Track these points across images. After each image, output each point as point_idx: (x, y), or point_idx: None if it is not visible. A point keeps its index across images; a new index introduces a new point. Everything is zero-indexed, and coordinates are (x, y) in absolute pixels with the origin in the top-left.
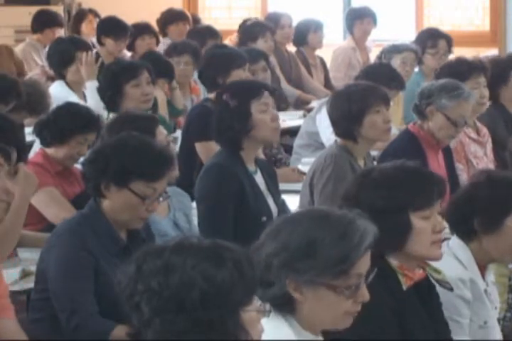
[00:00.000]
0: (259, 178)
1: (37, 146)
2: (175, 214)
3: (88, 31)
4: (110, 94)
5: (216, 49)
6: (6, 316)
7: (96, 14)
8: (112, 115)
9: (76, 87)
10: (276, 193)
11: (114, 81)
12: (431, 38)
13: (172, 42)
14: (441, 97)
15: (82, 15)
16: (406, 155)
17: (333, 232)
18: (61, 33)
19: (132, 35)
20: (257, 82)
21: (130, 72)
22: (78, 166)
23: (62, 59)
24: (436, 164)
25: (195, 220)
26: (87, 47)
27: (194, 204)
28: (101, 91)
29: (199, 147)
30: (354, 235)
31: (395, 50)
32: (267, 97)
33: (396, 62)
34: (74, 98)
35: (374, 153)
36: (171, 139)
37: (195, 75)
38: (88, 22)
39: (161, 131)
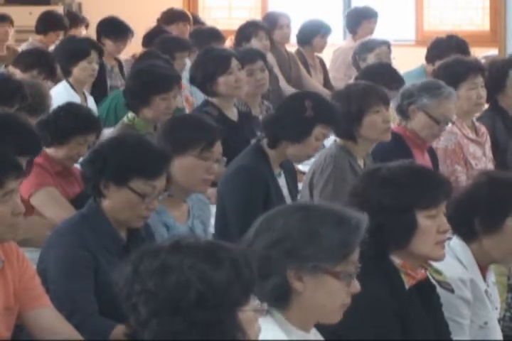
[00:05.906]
0: (282, 181)
1: None
2: (193, 221)
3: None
4: (137, 102)
5: (202, 55)
6: (42, 304)
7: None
8: (130, 114)
9: (78, 87)
10: (295, 196)
11: (144, 90)
12: (464, 52)
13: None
14: (422, 97)
15: (75, 20)
16: (393, 155)
17: (330, 218)
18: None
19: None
20: (339, 115)
21: (163, 85)
22: (78, 166)
23: (74, 54)
24: (423, 163)
25: (211, 230)
26: (100, 48)
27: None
28: (128, 95)
29: None
30: (351, 220)
31: (365, 49)
32: (327, 128)
33: (371, 61)
34: (76, 100)
35: None
36: (221, 158)
37: None
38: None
39: (219, 146)
